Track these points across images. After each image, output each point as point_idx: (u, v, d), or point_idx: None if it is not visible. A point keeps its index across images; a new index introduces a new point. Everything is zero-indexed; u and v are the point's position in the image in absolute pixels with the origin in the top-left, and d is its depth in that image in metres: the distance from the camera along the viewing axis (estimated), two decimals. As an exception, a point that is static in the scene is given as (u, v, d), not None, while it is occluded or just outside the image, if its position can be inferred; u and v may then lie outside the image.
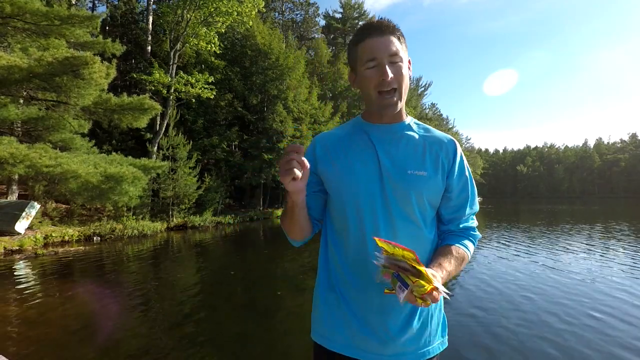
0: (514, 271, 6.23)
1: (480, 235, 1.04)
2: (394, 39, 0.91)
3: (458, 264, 0.92)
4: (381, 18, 0.95)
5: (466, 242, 0.98)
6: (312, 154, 1.03)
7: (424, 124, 1.05)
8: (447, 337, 1.03)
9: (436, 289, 0.71)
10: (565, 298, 4.65)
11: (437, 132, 1.03)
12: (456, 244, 0.96)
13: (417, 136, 1.00)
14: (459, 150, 1.01)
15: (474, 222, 1.04)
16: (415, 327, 0.94)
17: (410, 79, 0.98)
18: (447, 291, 0.73)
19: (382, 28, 0.91)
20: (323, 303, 1.02)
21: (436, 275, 0.78)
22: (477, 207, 1.04)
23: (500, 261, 7.16)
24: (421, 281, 0.71)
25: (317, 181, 1.03)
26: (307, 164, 0.79)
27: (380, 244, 0.78)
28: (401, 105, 0.95)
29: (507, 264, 6.84)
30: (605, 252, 8.17)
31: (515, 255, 7.84)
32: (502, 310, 4.20)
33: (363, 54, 0.92)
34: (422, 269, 0.72)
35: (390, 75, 0.89)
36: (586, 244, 9.30)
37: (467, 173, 1.01)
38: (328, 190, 1.02)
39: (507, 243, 9.62)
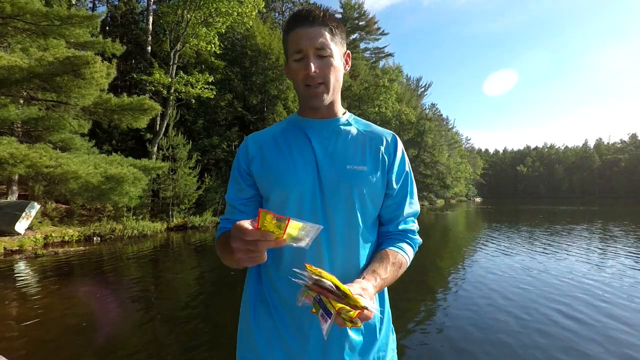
0: (510, 271, 6.23)
1: (421, 241, 0.96)
2: (324, 31, 0.85)
3: (395, 271, 0.84)
4: (316, 6, 0.89)
5: (404, 245, 0.91)
6: (245, 153, 0.95)
7: (365, 121, 1.00)
8: (396, 351, 0.96)
9: (365, 308, 0.62)
10: (562, 299, 4.65)
11: (378, 128, 0.98)
12: (393, 249, 0.88)
13: (356, 131, 0.95)
14: (400, 145, 0.97)
15: (414, 225, 0.96)
16: (360, 344, 0.86)
17: (344, 70, 0.93)
18: (377, 308, 0.66)
19: (311, 18, 0.85)
20: (254, 319, 0.91)
21: (367, 288, 0.71)
22: (417, 207, 0.98)
23: (494, 261, 7.16)
24: (346, 307, 0.62)
25: (252, 184, 0.94)
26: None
27: (308, 267, 0.69)
28: (330, 98, 0.89)
29: (502, 264, 6.85)
30: (602, 255, 8.17)
31: (511, 255, 7.84)
32: (494, 312, 4.21)
33: (291, 45, 0.87)
34: (348, 290, 0.64)
35: (315, 69, 0.83)
36: (584, 247, 9.30)
37: (407, 169, 0.97)
38: (263, 191, 0.93)
39: (506, 243, 9.63)
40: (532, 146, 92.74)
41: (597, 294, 4.83)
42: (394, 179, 0.93)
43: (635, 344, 3.26)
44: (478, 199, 61.75)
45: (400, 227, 0.94)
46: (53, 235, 9.58)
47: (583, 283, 5.38)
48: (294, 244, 0.64)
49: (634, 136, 74.65)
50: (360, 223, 0.88)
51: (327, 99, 0.89)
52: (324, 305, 0.64)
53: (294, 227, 0.62)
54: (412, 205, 0.96)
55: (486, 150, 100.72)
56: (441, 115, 54.06)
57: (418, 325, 3.80)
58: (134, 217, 12.33)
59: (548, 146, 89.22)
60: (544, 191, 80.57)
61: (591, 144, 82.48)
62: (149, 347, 3.29)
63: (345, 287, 0.64)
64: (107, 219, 11.80)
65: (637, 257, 7.45)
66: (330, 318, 0.62)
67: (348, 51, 0.95)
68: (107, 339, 3.45)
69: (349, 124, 0.96)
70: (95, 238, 10.39)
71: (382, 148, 0.93)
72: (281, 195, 0.88)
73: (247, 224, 0.62)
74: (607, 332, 3.52)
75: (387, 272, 0.82)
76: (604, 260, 7.14)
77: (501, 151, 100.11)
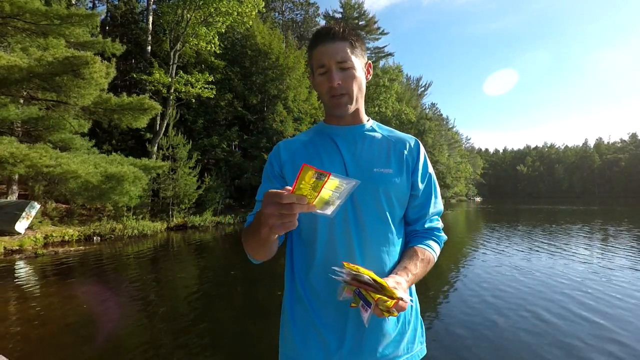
0: (509, 271, 6.23)
1: (446, 237, 1.02)
2: (345, 45, 0.92)
3: (424, 266, 0.91)
4: (335, 22, 0.95)
5: (431, 242, 0.97)
6: (277, 157, 1.02)
7: (387, 127, 1.07)
8: (425, 343, 1.01)
9: (400, 299, 0.69)
10: (562, 299, 4.66)
11: (401, 133, 1.05)
12: (421, 246, 0.95)
13: (380, 136, 1.01)
14: (422, 149, 1.03)
15: (439, 223, 1.03)
16: (392, 335, 0.92)
17: (366, 79, 1.00)
18: (410, 298, 0.73)
19: (332, 34, 0.92)
20: (291, 318, 0.96)
21: (400, 282, 0.78)
22: (441, 207, 1.04)
23: (494, 262, 7.16)
24: (383, 297, 0.69)
25: (284, 185, 0.98)
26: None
27: (345, 265, 0.76)
28: (353, 107, 0.96)
29: (501, 264, 6.85)
30: (601, 255, 8.16)
31: (511, 255, 7.85)
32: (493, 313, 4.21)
33: (315, 60, 0.95)
34: (384, 282, 0.70)
35: (338, 81, 0.90)
36: (583, 247, 9.30)
37: (430, 171, 1.03)
38: None
39: (505, 243, 9.63)
40: (532, 146, 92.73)
41: (594, 293, 4.83)
42: (418, 180, 0.99)
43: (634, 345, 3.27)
44: (478, 199, 61.72)
45: (427, 225, 1.00)
46: (53, 234, 9.58)
47: (580, 282, 5.39)
48: (321, 212, 0.66)
49: (634, 136, 74.61)
50: (389, 222, 0.94)
51: (351, 108, 0.96)
52: (364, 297, 0.71)
53: (331, 185, 0.63)
54: (437, 205, 1.02)
55: (486, 150, 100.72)
56: (441, 114, 54.03)
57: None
58: (134, 217, 12.32)
59: (548, 146, 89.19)
60: (544, 191, 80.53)
61: (591, 143, 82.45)
62: (148, 347, 3.29)
63: (382, 280, 0.71)
64: (107, 218, 11.80)
65: (633, 257, 7.46)
66: (370, 308, 0.69)
67: (369, 61, 1.02)
68: (107, 338, 3.45)
69: (373, 129, 1.03)
70: (95, 238, 10.39)
71: (406, 152, 0.99)
72: None
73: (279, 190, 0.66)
74: (605, 332, 3.52)
75: (417, 268, 0.88)
76: (603, 261, 7.14)
77: (501, 151, 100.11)
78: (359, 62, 0.95)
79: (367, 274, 0.71)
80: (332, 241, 0.91)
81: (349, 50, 0.92)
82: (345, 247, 0.90)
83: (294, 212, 0.63)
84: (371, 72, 1.02)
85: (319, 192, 0.62)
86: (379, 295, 0.69)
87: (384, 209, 0.93)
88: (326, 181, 0.61)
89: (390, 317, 0.71)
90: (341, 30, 0.93)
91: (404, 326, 0.94)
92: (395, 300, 0.68)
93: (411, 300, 0.95)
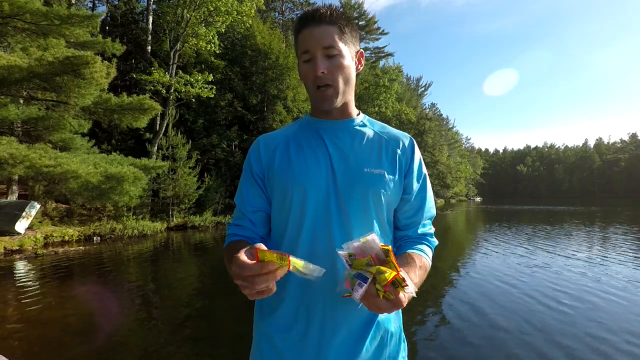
0: (509, 271, 6.23)
1: (437, 243, 0.95)
2: (333, 29, 0.82)
3: (422, 275, 0.82)
4: (325, 5, 0.85)
5: (426, 249, 0.89)
6: (257, 155, 0.93)
7: (380, 122, 0.98)
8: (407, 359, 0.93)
9: (402, 280, 0.60)
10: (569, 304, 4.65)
11: (394, 130, 0.96)
12: (417, 252, 0.86)
13: (372, 133, 0.92)
14: (417, 148, 0.95)
15: (431, 229, 0.95)
16: (370, 350, 0.83)
17: (357, 70, 0.90)
18: (414, 290, 0.64)
19: (318, 17, 0.82)
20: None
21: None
22: (434, 211, 0.96)
23: (494, 262, 7.16)
24: (382, 267, 0.60)
25: (264, 190, 0.93)
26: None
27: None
28: (341, 100, 0.87)
29: (501, 264, 6.84)
30: (599, 255, 8.16)
31: (511, 255, 7.84)
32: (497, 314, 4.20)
33: (299, 46, 0.85)
34: (393, 259, 0.62)
35: (322, 69, 0.81)
36: (581, 247, 9.30)
37: (424, 172, 0.95)
38: (275, 193, 0.90)
39: (505, 244, 9.62)
40: (532, 146, 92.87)
41: (592, 292, 4.83)
42: (412, 183, 0.91)
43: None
44: (478, 199, 61.73)
45: (419, 231, 0.92)
46: (53, 235, 9.57)
47: (579, 281, 5.39)
48: (300, 275, 0.61)
49: (634, 136, 74.68)
50: (376, 225, 0.86)
51: (338, 101, 0.86)
52: (363, 275, 0.62)
53: (297, 263, 0.60)
54: (431, 210, 0.95)
55: (486, 150, 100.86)
56: (441, 115, 54.13)
57: (414, 327, 3.79)
58: (134, 217, 12.32)
59: (548, 146, 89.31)
60: (544, 191, 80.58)
61: (591, 143, 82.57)
62: (148, 347, 3.29)
63: (389, 247, 0.63)
64: (107, 218, 11.79)
65: (630, 256, 7.46)
66: (366, 283, 0.61)
67: (361, 50, 0.92)
68: (107, 338, 3.45)
69: (364, 125, 0.94)
70: (95, 238, 10.38)
71: (399, 151, 0.91)
72: (294, 196, 0.85)
73: (245, 257, 0.61)
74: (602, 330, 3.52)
75: (417, 277, 0.78)
76: (601, 262, 7.15)
77: (501, 151, 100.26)
78: (347, 50, 0.84)
79: (382, 247, 0.63)
80: (314, 249, 0.83)
81: (336, 36, 0.82)
82: (327, 253, 0.81)
83: (262, 284, 0.59)
84: (363, 61, 0.92)
85: (289, 263, 0.59)
86: (378, 266, 0.61)
87: (371, 212, 0.85)
88: (288, 259, 0.58)
89: (384, 312, 0.62)
90: (329, 13, 0.83)
91: (384, 338, 0.85)
92: (394, 274, 0.60)
93: (394, 318, 0.89)
